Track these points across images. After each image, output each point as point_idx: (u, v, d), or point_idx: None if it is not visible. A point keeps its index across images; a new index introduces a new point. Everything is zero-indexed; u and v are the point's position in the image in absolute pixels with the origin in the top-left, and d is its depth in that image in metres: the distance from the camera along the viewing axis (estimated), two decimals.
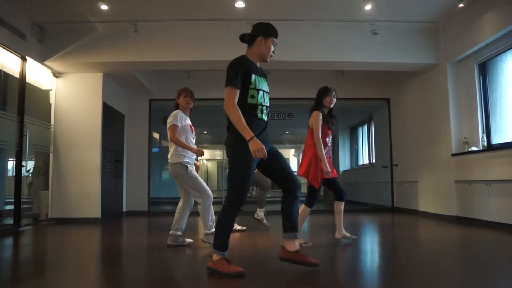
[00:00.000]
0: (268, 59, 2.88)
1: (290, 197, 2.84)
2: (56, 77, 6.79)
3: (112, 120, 7.49)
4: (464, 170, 5.98)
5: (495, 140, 5.75)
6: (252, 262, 3.36)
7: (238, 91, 2.68)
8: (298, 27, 6.38)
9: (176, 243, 4.02)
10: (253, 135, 2.59)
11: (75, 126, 6.72)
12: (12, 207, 5.60)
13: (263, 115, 2.81)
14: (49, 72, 6.65)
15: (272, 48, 2.86)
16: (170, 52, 6.46)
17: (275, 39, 2.87)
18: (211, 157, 19.40)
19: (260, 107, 2.78)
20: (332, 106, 4.05)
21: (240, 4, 5.62)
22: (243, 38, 2.91)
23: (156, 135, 10.32)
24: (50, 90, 6.78)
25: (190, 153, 4.01)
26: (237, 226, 5.31)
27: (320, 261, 3.50)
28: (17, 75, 5.72)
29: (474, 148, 5.84)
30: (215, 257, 2.72)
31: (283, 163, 2.85)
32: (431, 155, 6.89)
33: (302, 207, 4.00)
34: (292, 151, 18.35)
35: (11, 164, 6.30)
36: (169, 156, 4.02)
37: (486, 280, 2.67)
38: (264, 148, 2.59)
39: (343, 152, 11.86)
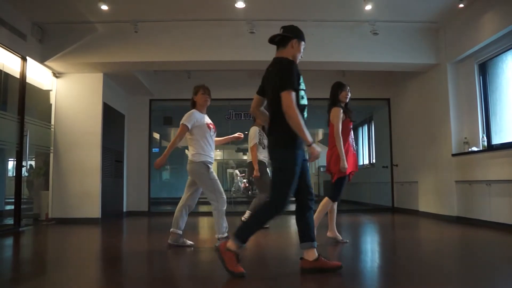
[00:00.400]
0: (297, 61, 2.89)
1: (304, 208, 2.84)
2: (57, 77, 6.80)
3: (112, 120, 7.49)
4: (464, 170, 5.97)
5: (495, 140, 5.74)
6: (252, 263, 3.36)
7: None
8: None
9: (177, 243, 4.01)
10: (313, 140, 2.65)
11: (75, 126, 6.72)
12: (12, 207, 5.60)
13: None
14: (49, 72, 6.65)
15: (302, 52, 2.90)
16: (170, 52, 6.46)
17: (304, 43, 2.91)
18: None
19: (306, 107, 2.84)
20: (347, 100, 4.12)
21: (240, 5, 5.62)
22: (273, 39, 2.92)
23: (156, 135, 10.31)
24: (51, 90, 6.78)
25: (212, 153, 3.96)
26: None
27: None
28: (18, 75, 5.72)
29: (475, 148, 5.84)
30: (232, 245, 2.68)
31: (307, 173, 2.87)
32: (431, 155, 6.89)
33: (324, 199, 4.06)
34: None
35: (11, 164, 6.30)
36: (190, 154, 3.91)
37: (486, 280, 2.67)
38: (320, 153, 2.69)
39: None
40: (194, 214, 9.01)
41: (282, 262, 3.40)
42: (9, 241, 4.76)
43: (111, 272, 3.16)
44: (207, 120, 4.04)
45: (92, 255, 3.98)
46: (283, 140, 2.69)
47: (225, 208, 3.86)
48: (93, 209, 6.63)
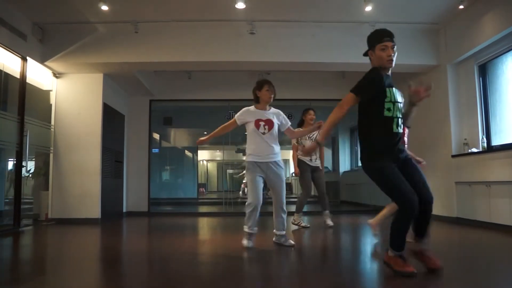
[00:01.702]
0: (388, 65, 2.83)
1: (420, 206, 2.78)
2: (57, 77, 6.79)
3: (112, 120, 7.49)
4: (464, 171, 5.97)
5: (495, 142, 5.75)
6: (251, 264, 3.36)
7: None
8: (298, 28, 6.38)
9: (279, 241, 3.97)
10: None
11: (75, 126, 6.71)
12: (12, 207, 5.59)
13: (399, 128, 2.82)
14: (49, 72, 6.65)
15: (385, 53, 2.81)
16: (170, 52, 6.46)
17: (382, 44, 2.81)
18: (211, 158, 19.40)
19: (396, 120, 2.78)
20: None
21: (240, 5, 5.61)
22: (366, 54, 2.96)
23: (156, 136, 10.31)
24: (51, 90, 6.78)
25: (263, 152, 3.83)
26: (301, 222, 5.58)
27: (320, 262, 3.50)
28: (18, 76, 5.72)
29: (474, 150, 5.84)
30: (390, 253, 2.73)
31: (414, 177, 2.78)
32: (431, 156, 6.87)
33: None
34: (292, 152, 18.31)
35: (11, 164, 6.29)
36: (278, 151, 3.93)
37: (486, 281, 2.67)
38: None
39: (343, 153, 11.86)
40: (196, 215, 9.00)
41: (284, 263, 3.40)
42: (8, 241, 4.75)
43: (111, 273, 3.15)
44: (261, 116, 3.90)
45: (91, 255, 3.98)
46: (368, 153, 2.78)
47: (247, 210, 3.80)
48: (93, 210, 6.62)
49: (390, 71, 2.91)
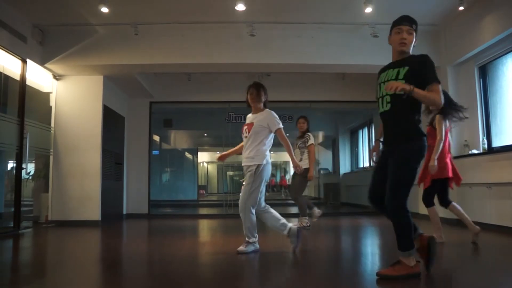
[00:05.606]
0: (401, 48, 2.87)
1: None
2: (57, 79, 6.80)
3: (112, 122, 7.49)
4: (464, 173, 5.92)
5: (496, 143, 5.74)
6: (254, 265, 3.35)
7: None
8: (298, 30, 6.39)
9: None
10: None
11: (75, 128, 6.71)
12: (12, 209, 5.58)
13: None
14: (49, 74, 6.65)
15: (398, 37, 2.87)
16: (170, 54, 6.46)
17: (396, 27, 2.90)
18: (211, 160, 19.41)
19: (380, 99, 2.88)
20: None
21: (240, 7, 5.62)
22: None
23: (156, 138, 10.30)
24: (51, 92, 6.78)
25: (245, 154, 3.82)
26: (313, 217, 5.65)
27: (320, 264, 3.49)
28: (18, 78, 5.72)
29: (475, 151, 5.83)
30: (405, 259, 2.74)
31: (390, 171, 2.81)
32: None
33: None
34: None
35: (11, 166, 6.29)
36: (253, 155, 3.71)
37: (486, 283, 2.66)
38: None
39: (344, 154, 11.86)
40: (196, 217, 9.00)
41: (283, 264, 3.39)
42: (8, 244, 4.74)
43: (111, 275, 3.15)
44: (248, 120, 3.90)
45: (92, 257, 3.97)
46: None
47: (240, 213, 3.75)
48: (93, 212, 6.61)
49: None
